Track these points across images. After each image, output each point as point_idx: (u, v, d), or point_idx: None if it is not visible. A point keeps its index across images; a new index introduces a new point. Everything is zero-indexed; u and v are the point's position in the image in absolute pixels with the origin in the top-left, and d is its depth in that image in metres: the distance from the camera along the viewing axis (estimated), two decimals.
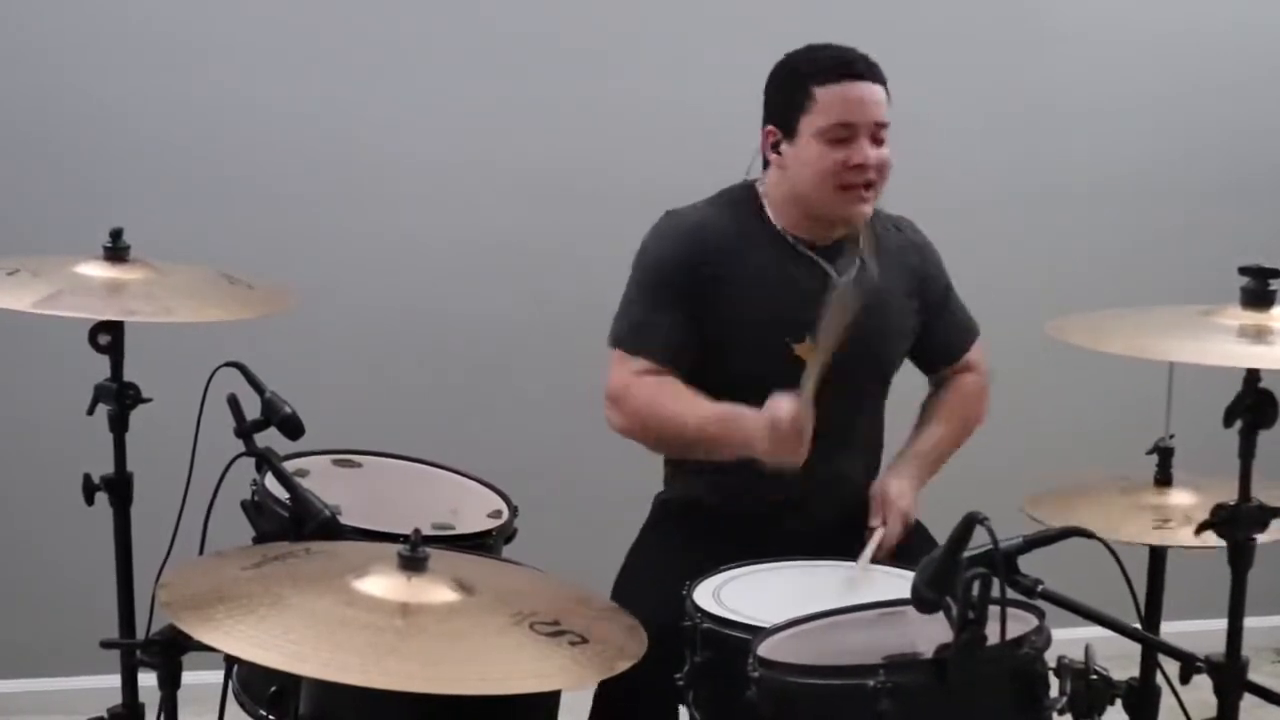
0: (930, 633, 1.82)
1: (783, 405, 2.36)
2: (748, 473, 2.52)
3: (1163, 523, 2.48)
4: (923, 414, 2.84)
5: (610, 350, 2.64)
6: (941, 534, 1.83)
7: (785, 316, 2.56)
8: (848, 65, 2.55)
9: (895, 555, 2.55)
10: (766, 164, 2.66)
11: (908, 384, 2.86)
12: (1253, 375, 1.99)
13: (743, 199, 2.68)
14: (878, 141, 2.55)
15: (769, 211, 2.65)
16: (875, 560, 2.49)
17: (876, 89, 2.56)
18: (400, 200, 3.71)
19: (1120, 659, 2.12)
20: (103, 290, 2.30)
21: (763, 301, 2.59)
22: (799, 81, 2.57)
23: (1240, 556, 2.02)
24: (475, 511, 2.50)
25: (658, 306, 2.61)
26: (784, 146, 2.59)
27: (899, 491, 2.62)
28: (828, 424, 2.49)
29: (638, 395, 2.57)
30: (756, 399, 2.41)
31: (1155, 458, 2.61)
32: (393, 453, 2.65)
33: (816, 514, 2.63)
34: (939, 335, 2.81)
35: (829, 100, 2.53)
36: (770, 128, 2.61)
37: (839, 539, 2.55)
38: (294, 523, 2.23)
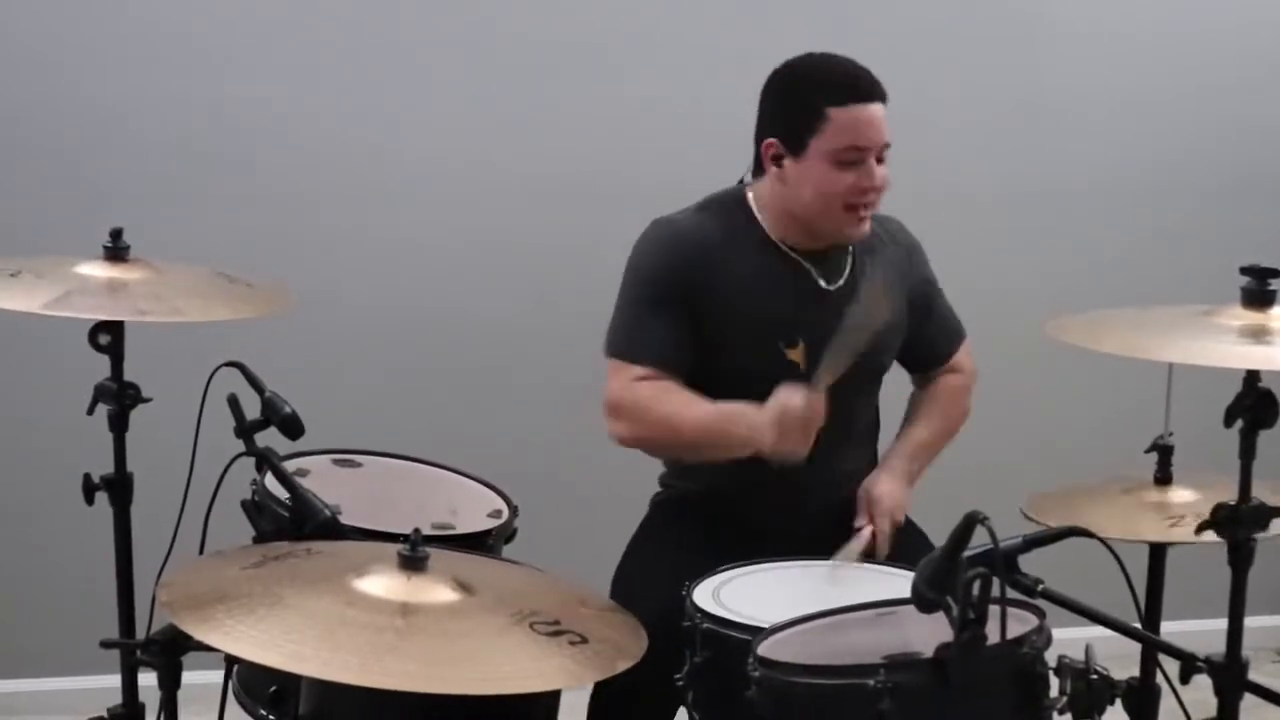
0: (930, 632, 1.82)
1: (794, 396, 2.37)
2: (745, 474, 2.53)
3: (1163, 520, 2.48)
4: (909, 412, 2.83)
5: (608, 362, 2.64)
6: (941, 534, 1.83)
7: (776, 320, 2.58)
8: (857, 85, 2.53)
9: (889, 556, 2.54)
10: (760, 170, 2.64)
11: (904, 384, 2.86)
12: (1253, 375, 1.99)
13: (732, 204, 2.66)
14: (881, 161, 2.55)
15: (760, 217, 2.64)
16: (865, 560, 2.48)
17: (883, 109, 2.54)
18: (400, 200, 3.70)
19: (1120, 659, 2.12)
20: (107, 290, 2.30)
21: (754, 306, 2.58)
22: (809, 99, 2.53)
23: (1240, 556, 2.02)
24: (475, 511, 2.50)
25: (651, 314, 2.60)
26: (787, 162, 2.56)
27: (886, 491, 2.61)
28: (824, 423, 2.47)
29: (635, 401, 2.57)
30: (752, 399, 2.42)
31: (1154, 457, 2.61)
32: (393, 453, 2.66)
33: (814, 514, 2.62)
34: (926, 338, 2.80)
35: (843, 123, 2.50)
36: (772, 140, 2.57)
37: (837, 538, 2.55)
38: (294, 523, 2.23)
